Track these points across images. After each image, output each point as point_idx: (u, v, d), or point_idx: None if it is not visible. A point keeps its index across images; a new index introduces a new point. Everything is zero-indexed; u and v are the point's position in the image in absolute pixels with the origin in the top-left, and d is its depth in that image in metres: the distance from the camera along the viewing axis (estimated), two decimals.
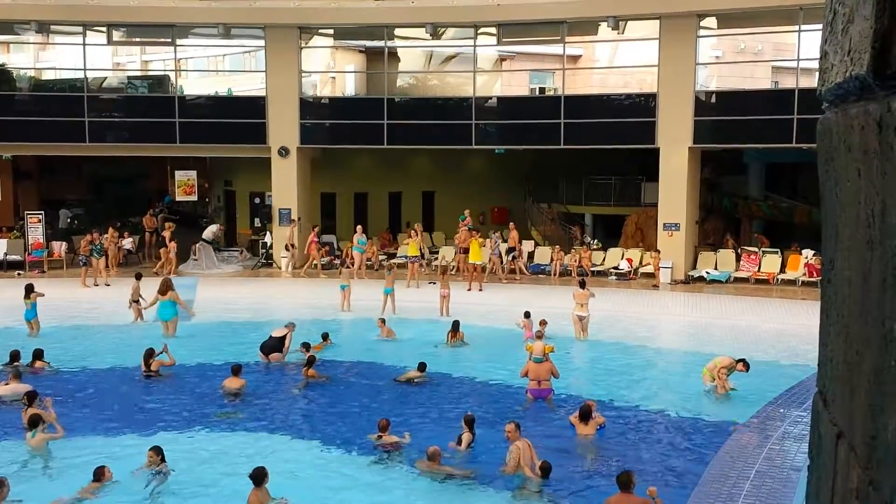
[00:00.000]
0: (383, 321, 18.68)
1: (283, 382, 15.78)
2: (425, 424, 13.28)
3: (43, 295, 18.91)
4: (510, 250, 26.03)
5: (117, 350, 17.60)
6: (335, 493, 10.75)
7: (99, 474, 10.62)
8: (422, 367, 15.56)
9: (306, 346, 16.83)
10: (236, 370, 14.92)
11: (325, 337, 17.75)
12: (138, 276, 20.48)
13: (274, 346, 16.79)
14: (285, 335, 16.86)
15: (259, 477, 9.71)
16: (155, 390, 15.10)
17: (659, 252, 25.09)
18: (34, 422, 11.95)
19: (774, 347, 17.97)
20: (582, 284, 19.49)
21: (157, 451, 11.15)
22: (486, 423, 12.65)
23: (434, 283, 23.49)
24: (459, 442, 11.81)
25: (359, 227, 26.06)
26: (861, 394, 1.33)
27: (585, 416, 12.59)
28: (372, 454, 11.84)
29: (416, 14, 26.12)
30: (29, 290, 18.68)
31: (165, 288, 18.73)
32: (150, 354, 15.67)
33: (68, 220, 32.24)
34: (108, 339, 18.80)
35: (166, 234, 26.16)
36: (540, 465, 10.86)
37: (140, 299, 19.77)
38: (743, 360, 14.35)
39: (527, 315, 18.17)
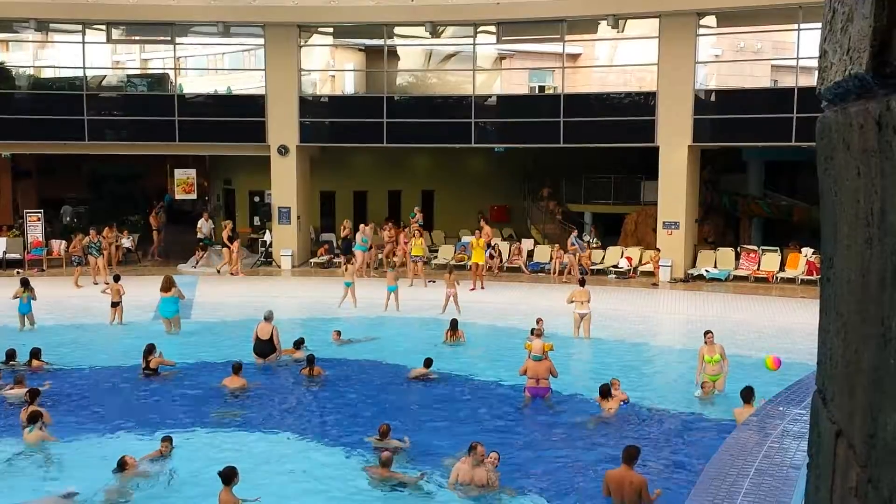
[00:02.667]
0: (339, 333, 18.19)
1: (281, 382, 15.78)
2: (423, 426, 13.29)
3: (35, 299, 18.83)
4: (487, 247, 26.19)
5: (116, 349, 17.60)
6: (332, 495, 10.75)
7: (122, 464, 10.76)
8: (428, 362, 15.61)
9: (297, 345, 16.87)
10: (237, 369, 14.89)
11: (298, 343, 17.21)
12: (116, 278, 20.44)
13: (266, 348, 16.72)
14: (271, 332, 16.77)
15: (228, 476, 9.59)
16: (154, 389, 15.09)
17: (659, 250, 25.11)
18: (33, 418, 11.97)
19: (774, 345, 17.94)
20: (581, 283, 19.56)
21: (171, 440, 11.48)
22: (485, 424, 12.66)
23: (434, 282, 23.51)
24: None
25: (361, 226, 26.06)
26: (860, 392, 1.33)
27: (605, 393, 13.42)
28: (371, 457, 11.79)
29: (416, 12, 26.11)
30: (25, 283, 18.66)
31: (168, 285, 18.69)
32: (149, 351, 15.63)
33: (68, 218, 32.22)
34: (107, 338, 18.80)
35: (226, 232, 26.17)
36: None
37: (121, 299, 19.65)
38: (707, 332, 14.93)
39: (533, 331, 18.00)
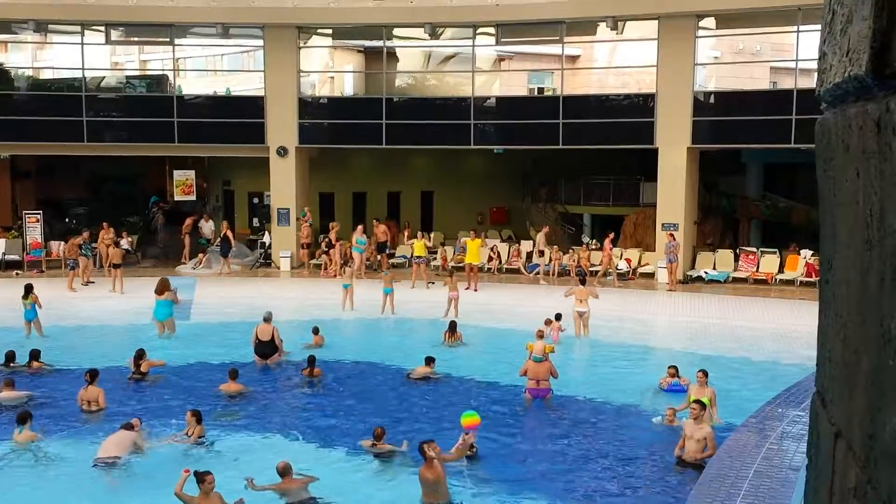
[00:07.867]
0: (317, 330, 18.04)
1: (281, 384, 15.77)
2: (423, 427, 13.27)
3: (40, 306, 18.65)
4: (382, 246, 26.65)
5: (115, 351, 17.56)
6: (332, 497, 10.74)
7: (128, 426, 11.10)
8: (429, 361, 15.61)
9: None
10: (233, 374, 14.81)
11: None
12: (117, 244, 20.61)
13: (267, 350, 16.71)
14: (272, 333, 16.77)
15: (197, 480, 9.46)
16: (151, 391, 15.07)
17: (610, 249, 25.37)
18: (23, 418, 11.93)
19: (773, 347, 17.97)
20: (582, 281, 19.62)
21: (196, 414, 11.81)
22: (485, 426, 12.62)
23: (433, 284, 23.48)
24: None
25: (358, 227, 26.05)
26: (859, 393, 1.33)
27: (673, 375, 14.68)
28: (369, 458, 11.76)
29: (415, 14, 26.11)
30: (28, 289, 18.55)
31: (162, 288, 18.64)
32: (140, 356, 15.58)
33: (66, 219, 32.19)
34: (106, 340, 18.78)
35: (332, 234, 26.04)
36: None
37: (122, 262, 19.80)
38: (700, 370, 13.48)
39: (558, 318, 18.00)
